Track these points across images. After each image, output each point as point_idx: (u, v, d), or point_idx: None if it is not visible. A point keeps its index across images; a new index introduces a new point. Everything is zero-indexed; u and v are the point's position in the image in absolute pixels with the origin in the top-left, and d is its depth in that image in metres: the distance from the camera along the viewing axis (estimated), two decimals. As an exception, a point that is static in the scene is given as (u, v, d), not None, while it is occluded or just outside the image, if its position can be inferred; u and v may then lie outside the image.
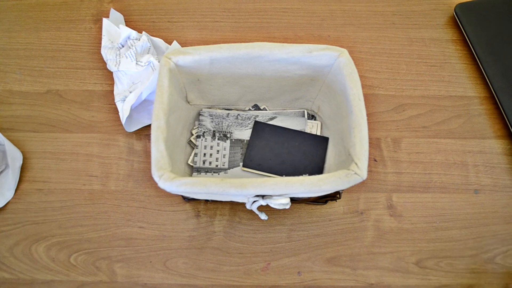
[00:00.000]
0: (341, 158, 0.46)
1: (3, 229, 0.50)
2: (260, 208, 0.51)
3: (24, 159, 0.53)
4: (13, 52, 0.60)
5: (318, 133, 0.52)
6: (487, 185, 0.52)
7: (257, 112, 0.51)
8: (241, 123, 0.50)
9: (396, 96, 0.57)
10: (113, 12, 0.59)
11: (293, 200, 0.48)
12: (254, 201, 0.42)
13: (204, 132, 0.51)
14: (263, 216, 0.45)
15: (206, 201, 0.51)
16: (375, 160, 0.54)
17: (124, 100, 0.53)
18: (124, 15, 0.61)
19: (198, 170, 0.50)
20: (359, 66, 0.59)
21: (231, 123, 0.50)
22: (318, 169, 0.50)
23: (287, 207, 0.42)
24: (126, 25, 0.56)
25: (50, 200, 0.51)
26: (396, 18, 0.62)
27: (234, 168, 0.50)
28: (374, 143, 0.54)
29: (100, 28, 0.61)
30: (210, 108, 0.50)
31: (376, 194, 0.52)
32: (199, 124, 0.50)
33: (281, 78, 0.49)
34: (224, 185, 0.39)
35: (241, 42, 0.60)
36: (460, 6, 0.61)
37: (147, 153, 0.54)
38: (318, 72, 0.48)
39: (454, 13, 0.61)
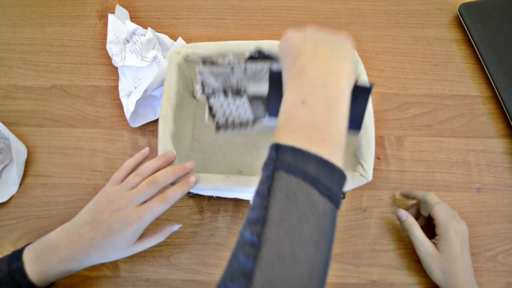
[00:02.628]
0: (346, 159, 0.46)
1: (7, 223, 0.50)
2: None
3: (29, 153, 0.53)
4: (18, 47, 0.60)
5: None
6: (489, 184, 0.53)
7: (263, 63, 0.41)
8: (254, 77, 0.42)
9: (400, 95, 0.57)
10: (119, 8, 0.59)
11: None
12: None
13: (214, 89, 0.43)
14: None
15: (210, 197, 0.51)
16: (379, 158, 0.54)
17: (129, 95, 0.53)
18: (129, 12, 0.61)
19: (225, 127, 0.44)
20: (363, 64, 0.59)
21: (240, 78, 0.42)
22: (356, 124, 0.37)
23: None
24: (131, 21, 0.57)
25: (54, 194, 0.51)
26: (400, 17, 0.63)
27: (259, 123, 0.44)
28: (377, 141, 0.54)
29: (105, 24, 0.61)
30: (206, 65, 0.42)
31: (379, 192, 0.52)
32: (202, 83, 0.42)
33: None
34: (230, 182, 0.39)
35: (245, 39, 0.60)
36: (464, 5, 0.61)
37: (152, 149, 0.54)
38: None
39: (458, 13, 0.61)
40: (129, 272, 0.48)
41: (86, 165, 0.53)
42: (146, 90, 0.51)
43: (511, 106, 0.55)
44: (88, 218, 0.39)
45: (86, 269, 0.48)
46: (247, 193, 0.41)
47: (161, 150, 0.40)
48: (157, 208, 0.38)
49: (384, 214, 0.51)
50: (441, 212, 0.45)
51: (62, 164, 0.53)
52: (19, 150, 0.52)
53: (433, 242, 0.45)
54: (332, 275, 0.48)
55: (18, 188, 0.52)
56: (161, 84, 0.52)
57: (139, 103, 0.52)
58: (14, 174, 0.51)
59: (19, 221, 0.50)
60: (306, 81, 0.30)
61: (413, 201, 0.51)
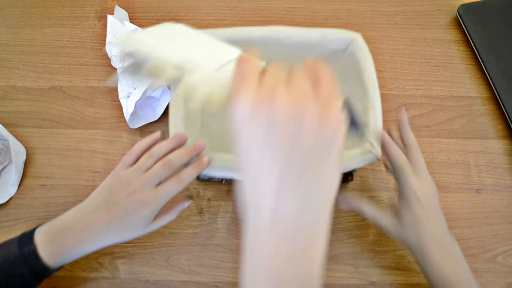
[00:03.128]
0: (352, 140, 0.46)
1: (6, 224, 0.50)
2: None
3: (28, 154, 0.53)
4: (17, 48, 0.60)
5: None
6: (489, 185, 0.53)
7: None
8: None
9: (399, 96, 0.57)
10: (118, 9, 0.59)
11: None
12: None
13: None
14: None
15: (221, 180, 0.49)
16: (378, 159, 0.54)
17: (128, 96, 0.53)
18: (128, 13, 0.61)
19: None
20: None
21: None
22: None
23: None
24: (131, 23, 0.57)
25: (53, 195, 0.51)
26: (399, 18, 0.63)
27: None
28: (377, 142, 0.54)
29: (104, 25, 0.61)
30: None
31: (378, 193, 0.52)
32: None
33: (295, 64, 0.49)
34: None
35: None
36: (463, 7, 0.61)
37: (151, 150, 0.54)
38: (332, 56, 0.48)
39: (457, 14, 0.61)
40: (128, 274, 0.48)
41: (85, 166, 0.53)
42: (145, 91, 0.51)
43: (510, 107, 0.55)
44: (102, 200, 0.39)
45: (85, 270, 0.48)
46: None
47: (172, 132, 0.40)
48: (173, 189, 0.39)
49: (383, 215, 0.51)
50: (408, 180, 0.39)
51: (61, 165, 0.53)
52: (18, 151, 0.52)
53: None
54: (332, 276, 0.48)
55: (17, 189, 0.51)
56: (160, 85, 0.52)
57: (138, 104, 0.52)
58: (13, 175, 0.51)
59: (18, 223, 0.50)
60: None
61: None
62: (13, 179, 0.51)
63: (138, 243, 0.49)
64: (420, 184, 0.39)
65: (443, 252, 0.39)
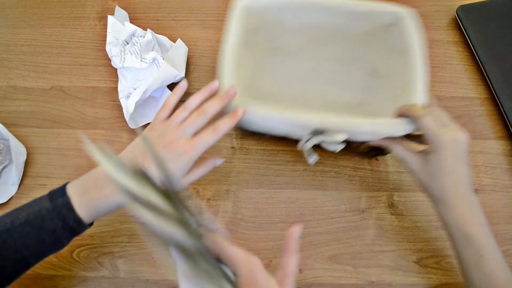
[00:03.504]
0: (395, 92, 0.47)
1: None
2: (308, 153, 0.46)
3: (28, 154, 0.53)
4: (18, 48, 0.60)
5: None
6: (487, 185, 0.53)
7: None
8: None
9: (398, 96, 0.58)
10: (118, 10, 0.59)
11: (344, 149, 0.46)
12: (308, 140, 0.43)
13: None
14: (312, 159, 0.45)
15: (262, 134, 0.46)
16: (377, 159, 0.54)
17: (129, 96, 0.53)
18: (128, 13, 0.61)
19: None
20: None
21: None
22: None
23: (338, 148, 0.42)
24: (131, 23, 0.57)
25: (53, 195, 0.51)
26: (398, 19, 0.63)
27: None
28: (376, 143, 0.55)
29: (105, 25, 0.61)
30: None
31: (377, 193, 0.52)
32: None
33: (344, 34, 0.51)
34: (286, 112, 0.41)
35: (244, 41, 0.60)
36: (462, 8, 0.61)
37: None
38: (381, 30, 0.49)
39: (456, 15, 0.61)
40: (128, 273, 0.48)
41: (85, 166, 0.53)
42: (145, 91, 0.51)
43: (508, 108, 0.55)
44: (138, 151, 0.39)
45: (85, 269, 0.48)
46: (301, 128, 0.42)
47: (226, 83, 0.42)
48: (209, 139, 0.39)
49: (382, 215, 0.51)
50: (429, 125, 0.39)
51: (62, 165, 0.53)
52: (19, 151, 0.52)
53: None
54: (331, 276, 0.48)
55: (18, 189, 0.52)
56: (160, 85, 0.52)
57: (138, 104, 0.52)
58: (13, 175, 0.51)
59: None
60: None
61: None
62: (13, 178, 0.51)
63: (138, 242, 0.49)
64: (449, 135, 0.39)
65: (466, 206, 0.39)
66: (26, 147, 0.53)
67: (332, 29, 0.51)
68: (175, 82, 0.55)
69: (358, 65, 0.54)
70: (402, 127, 0.42)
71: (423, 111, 0.40)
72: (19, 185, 0.52)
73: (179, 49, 0.56)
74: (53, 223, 0.37)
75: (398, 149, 0.43)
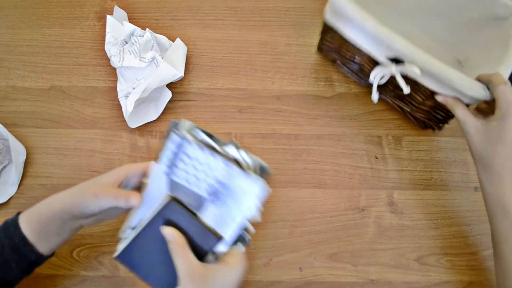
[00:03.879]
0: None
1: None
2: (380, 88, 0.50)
3: (28, 154, 0.53)
4: (17, 48, 0.60)
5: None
6: (487, 183, 0.53)
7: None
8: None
9: (397, 95, 0.58)
10: (117, 10, 0.59)
11: (410, 104, 0.50)
12: (383, 69, 0.45)
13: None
14: (375, 96, 0.48)
15: (341, 43, 0.50)
16: (376, 158, 0.54)
17: (128, 96, 0.53)
18: (127, 13, 0.61)
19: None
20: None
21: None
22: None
23: (407, 89, 0.45)
24: (130, 23, 0.57)
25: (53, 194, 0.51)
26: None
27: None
28: (375, 141, 0.55)
29: (104, 25, 0.61)
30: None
31: (377, 191, 0.52)
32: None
33: (450, 14, 0.52)
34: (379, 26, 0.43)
35: (244, 40, 0.60)
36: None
37: (150, 149, 0.54)
38: (493, 21, 0.49)
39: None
40: (128, 272, 0.48)
41: (85, 166, 0.53)
42: (144, 90, 0.51)
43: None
44: (87, 184, 0.42)
45: (85, 269, 0.48)
46: (385, 48, 0.44)
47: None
48: None
49: (382, 214, 0.51)
50: (505, 93, 0.39)
51: (61, 165, 0.53)
52: (18, 151, 0.52)
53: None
54: (331, 274, 0.48)
55: (17, 189, 0.52)
56: (159, 85, 0.52)
57: (137, 104, 0.52)
58: (13, 175, 0.51)
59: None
60: None
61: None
62: (13, 178, 0.51)
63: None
64: None
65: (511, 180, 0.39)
66: (26, 147, 0.53)
67: (442, 4, 0.52)
68: (174, 81, 0.55)
69: (451, 49, 0.55)
70: (476, 89, 0.41)
71: (504, 79, 0.40)
72: (19, 185, 0.52)
73: (178, 49, 0.56)
74: (0, 241, 0.39)
75: (460, 111, 0.43)
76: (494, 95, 0.40)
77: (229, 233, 0.39)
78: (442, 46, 0.57)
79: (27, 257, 0.39)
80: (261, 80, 0.58)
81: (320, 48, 0.57)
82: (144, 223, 0.40)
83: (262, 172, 0.37)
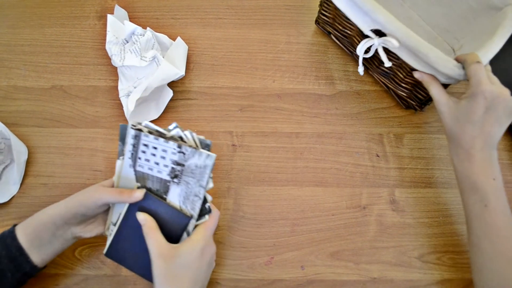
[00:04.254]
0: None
1: (8, 223, 0.50)
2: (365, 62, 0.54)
3: (29, 153, 0.53)
4: (18, 48, 0.60)
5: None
6: (488, 181, 0.53)
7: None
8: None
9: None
10: (118, 9, 0.59)
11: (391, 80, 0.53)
12: (368, 41, 0.48)
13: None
14: (361, 69, 0.50)
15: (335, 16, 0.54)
16: (378, 156, 0.54)
17: (129, 95, 0.53)
18: (128, 12, 0.61)
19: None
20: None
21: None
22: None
23: (387, 62, 0.48)
24: (131, 22, 0.57)
25: (55, 194, 0.52)
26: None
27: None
28: (376, 139, 0.55)
29: (104, 24, 0.61)
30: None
31: (378, 189, 0.52)
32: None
33: (452, 5, 0.54)
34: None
35: (244, 39, 0.60)
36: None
37: (151, 148, 0.54)
38: (487, 10, 0.50)
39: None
40: (130, 271, 0.48)
41: (86, 165, 0.53)
42: (146, 89, 0.51)
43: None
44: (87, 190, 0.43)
45: (87, 268, 0.48)
46: (368, 20, 0.47)
47: None
48: None
49: (383, 212, 0.51)
50: (477, 72, 0.39)
51: (63, 164, 0.53)
52: (20, 150, 0.52)
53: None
54: (332, 273, 0.48)
55: (19, 188, 0.52)
56: (160, 84, 0.52)
57: (139, 103, 0.52)
58: (15, 174, 0.51)
59: (20, 221, 0.50)
60: None
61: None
62: (14, 178, 0.51)
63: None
64: (493, 88, 0.39)
65: (480, 158, 0.40)
66: (27, 147, 0.53)
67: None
68: (175, 80, 0.55)
69: (448, 37, 0.57)
70: (451, 67, 0.42)
71: (478, 59, 0.40)
72: (21, 184, 0.52)
73: (179, 47, 0.56)
74: None
75: (435, 89, 0.43)
76: (467, 73, 0.41)
77: (196, 209, 0.43)
78: (439, 34, 0.58)
79: (22, 267, 0.41)
80: (261, 78, 0.58)
81: (317, 21, 0.59)
82: (121, 217, 0.42)
83: (205, 146, 0.42)
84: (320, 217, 0.51)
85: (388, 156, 0.54)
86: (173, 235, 0.42)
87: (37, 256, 0.41)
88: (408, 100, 0.54)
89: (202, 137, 0.42)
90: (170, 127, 0.42)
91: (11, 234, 0.41)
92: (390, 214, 0.51)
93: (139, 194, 0.41)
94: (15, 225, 0.42)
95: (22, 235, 0.41)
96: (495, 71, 0.54)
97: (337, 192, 0.52)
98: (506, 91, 0.40)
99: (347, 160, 0.54)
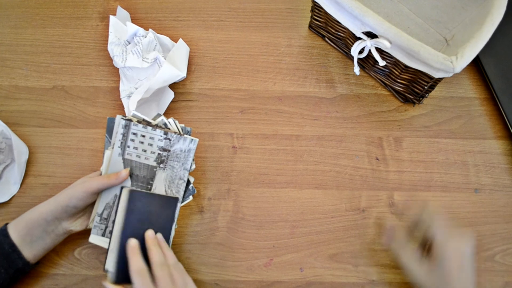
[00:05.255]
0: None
1: (8, 222, 0.50)
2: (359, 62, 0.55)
3: (30, 153, 0.53)
4: (20, 48, 0.60)
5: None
6: (487, 185, 0.53)
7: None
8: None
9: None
10: (120, 10, 0.59)
11: (388, 78, 0.54)
12: (361, 43, 0.49)
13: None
14: (357, 69, 0.53)
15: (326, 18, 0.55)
16: (377, 159, 0.54)
17: (130, 96, 0.53)
18: (130, 13, 0.61)
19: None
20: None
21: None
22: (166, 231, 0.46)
23: (382, 61, 0.49)
24: (132, 23, 0.57)
25: (55, 194, 0.51)
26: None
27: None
28: (376, 142, 0.55)
29: (106, 25, 0.61)
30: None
31: (377, 192, 0.52)
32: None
33: None
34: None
35: (246, 41, 0.61)
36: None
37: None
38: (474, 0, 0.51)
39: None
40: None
41: (87, 165, 0.53)
42: (147, 90, 0.51)
43: (508, 108, 0.55)
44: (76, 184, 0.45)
45: (86, 268, 0.48)
46: (358, 23, 0.48)
47: None
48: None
49: (382, 214, 0.51)
50: (437, 231, 0.41)
51: (63, 164, 0.53)
52: (21, 150, 0.52)
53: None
54: (331, 275, 0.48)
55: (19, 188, 0.52)
56: (162, 85, 0.52)
57: (140, 104, 0.52)
58: (15, 174, 0.51)
59: (20, 221, 0.50)
60: None
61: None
62: (15, 177, 0.52)
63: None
64: (454, 245, 0.40)
65: None
66: (28, 146, 0.54)
67: None
68: (176, 81, 0.55)
69: (440, 28, 0.58)
70: (442, 61, 0.44)
71: (433, 216, 0.42)
72: (21, 184, 0.52)
73: (181, 49, 0.57)
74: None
75: (405, 258, 0.43)
76: (427, 233, 0.42)
77: (180, 192, 0.47)
78: (431, 25, 0.59)
79: (15, 264, 0.42)
80: (262, 81, 0.58)
81: (310, 26, 0.60)
82: (118, 228, 0.43)
83: (186, 133, 0.47)
84: (320, 220, 0.51)
85: (388, 159, 0.54)
86: (168, 221, 0.45)
87: (29, 252, 0.43)
88: (406, 94, 0.55)
89: (183, 125, 0.47)
90: (155, 116, 0.46)
91: (3, 232, 0.42)
92: (389, 217, 0.51)
93: (124, 174, 0.44)
94: (6, 224, 0.43)
95: (14, 232, 0.42)
96: (491, 57, 0.56)
97: (337, 195, 0.52)
98: (463, 240, 0.40)
99: (346, 163, 0.54)
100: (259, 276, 0.48)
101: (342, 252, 0.50)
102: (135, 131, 0.45)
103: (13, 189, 0.52)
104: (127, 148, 0.45)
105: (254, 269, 0.49)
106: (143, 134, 0.45)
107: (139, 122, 0.45)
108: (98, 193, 0.45)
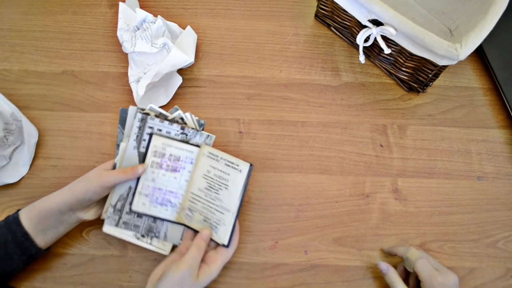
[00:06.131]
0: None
1: (17, 203, 0.51)
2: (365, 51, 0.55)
3: (40, 136, 0.54)
4: (30, 33, 0.61)
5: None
6: (490, 173, 0.54)
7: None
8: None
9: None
10: (129, -3, 0.60)
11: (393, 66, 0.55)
12: (366, 31, 0.50)
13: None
14: (362, 57, 0.53)
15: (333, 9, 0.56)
16: (381, 146, 0.55)
17: (139, 81, 0.54)
18: (139, 1, 0.62)
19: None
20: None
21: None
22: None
23: (387, 49, 0.50)
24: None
25: (64, 176, 0.52)
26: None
27: None
28: (380, 129, 0.56)
29: (115, 13, 0.62)
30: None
31: (382, 178, 0.53)
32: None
33: None
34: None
35: (253, 30, 0.61)
36: None
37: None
38: None
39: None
40: (136, 252, 0.49)
41: (95, 148, 0.54)
42: (156, 74, 0.52)
43: (511, 98, 0.56)
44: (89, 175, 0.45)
45: (94, 248, 0.49)
46: (364, 11, 0.49)
47: None
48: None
49: (386, 200, 0.52)
50: (425, 268, 0.43)
51: (72, 147, 0.54)
52: (31, 133, 0.53)
53: None
54: (335, 258, 0.49)
55: (29, 169, 0.53)
56: (171, 70, 0.53)
57: (148, 89, 0.53)
58: (25, 155, 0.52)
59: (29, 202, 0.50)
60: None
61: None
62: (24, 159, 0.52)
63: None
64: (441, 277, 0.42)
65: None
66: (38, 129, 0.54)
67: None
68: (184, 67, 0.56)
69: (444, 19, 0.59)
70: (447, 48, 0.45)
71: (419, 255, 0.44)
72: (30, 165, 0.53)
73: (189, 36, 0.57)
74: (3, 237, 0.42)
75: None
76: (415, 269, 0.43)
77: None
78: (435, 16, 0.60)
79: (28, 250, 0.43)
80: (269, 68, 0.59)
81: (316, 15, 0.61)
82: (237, 204, 0.45)
83: (200, 126, 0.47)
84: (324, 204, 0.52)
85: (392, 146, 0.55)
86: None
87: (41, 240, 0.44)
88: (410, 83, 0.56)
89: (197, 117, 0.46)
90: (172, 110, 0.45)
91: (15, 220, 0.43)
92: (393, 202, 0.52)
93: (141, 170, 0.45)
94: (18, 210, 0.44)
95: (27, 220, 0.43)
96: (495, 47, 0.57)
97: (341, 180, 0.53)
98: (451, 275, 0.42)
99: (351, 149, 0.55)
100: (264, 258, 0.49)
101: (346, 236, 0.50)
102: (151, 125, 0.45)
103: (23, 170, 0.52)
104: (143, 142, 0.45)
105: (259, 251, 0.49)
106: (160, 128, 0.45)
107: (156, 116, 0.45)
108: None
